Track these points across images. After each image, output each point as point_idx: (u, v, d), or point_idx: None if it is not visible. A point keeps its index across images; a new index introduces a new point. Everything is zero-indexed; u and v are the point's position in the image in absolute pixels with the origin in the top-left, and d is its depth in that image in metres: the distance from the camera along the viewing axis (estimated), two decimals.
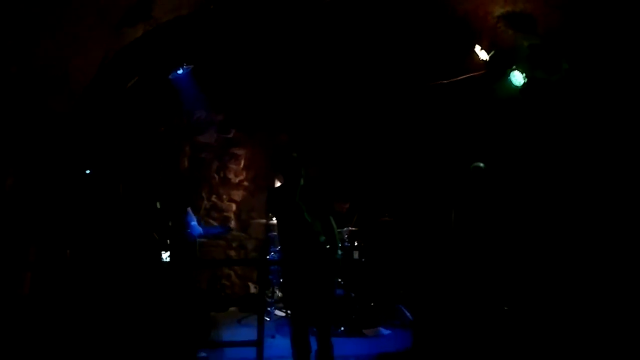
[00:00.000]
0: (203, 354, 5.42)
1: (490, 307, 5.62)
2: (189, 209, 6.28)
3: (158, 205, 5.70)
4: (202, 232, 6.52)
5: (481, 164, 5.90)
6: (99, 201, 5.45)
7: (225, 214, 8.11)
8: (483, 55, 6.29)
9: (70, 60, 4.97)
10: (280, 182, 7.54)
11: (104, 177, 5.79)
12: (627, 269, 5.07)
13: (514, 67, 6.02)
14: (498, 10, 5.99)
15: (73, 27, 4.64)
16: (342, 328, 6.39)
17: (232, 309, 7.56)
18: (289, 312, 6.74)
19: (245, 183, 8.18)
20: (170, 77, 7.08)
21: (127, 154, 6.95)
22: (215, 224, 8.01)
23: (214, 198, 8.11)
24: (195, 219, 6.42)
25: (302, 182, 5.10)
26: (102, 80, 5.79)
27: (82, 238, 5.16)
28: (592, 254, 5.40)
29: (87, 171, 5.59)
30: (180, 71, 6.96)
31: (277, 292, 7.11)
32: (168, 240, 5.85)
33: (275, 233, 7.15)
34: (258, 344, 4.80)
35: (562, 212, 5.91)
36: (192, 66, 6.94)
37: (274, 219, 7.18)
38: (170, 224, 5.77)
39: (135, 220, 5.53)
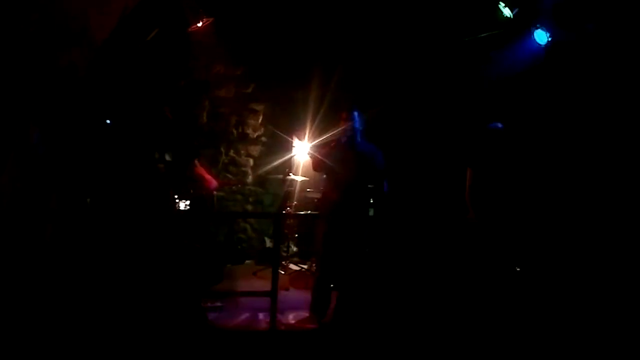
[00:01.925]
0: (218, 304, 5.56)
1: (502, 267, 5.66)
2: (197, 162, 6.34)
3: (167, 157, 5.77)
4: (216, 185, 6.59)
5: (499, 124, 5.84)
6: (118, 151, 5.51)
7: (243, 168, 8.17)
8: (507, 12, 6.15)
9: (90, 11, 4.97)
10: (299, 139, 7.60)
11: (124, 128, 5.84)
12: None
13: (538, 25, 5.89)
14: None
15: None
16: None
17: (248, 262, 7.70)
18: (303, 266, 6.90)
19: (263, 138, 8.21)
20: (189, 30, 7.04)
21: (146, 106, 6.99)
22: (232, 178, 8.09)
23: (232, 153, 8.16)
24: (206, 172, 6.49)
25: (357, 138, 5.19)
26: (122, 32, 5.79)
27: (101, 187, 5.25)
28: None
29: (108, 121, 5.65)
30: (199, 24, 6.91)
31: (293, 246, 7.22)
32: (180, 192, 5.95)
33: (291, 188, 7.28)
34: (272, 294, 4.92)
35: (577, 177, 5.88)
36: (211, 19, 6.89)
37: (291, 175, 7.26)
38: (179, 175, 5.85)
39: (148, 171, 5.60)
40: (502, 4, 6.13)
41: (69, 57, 5.03)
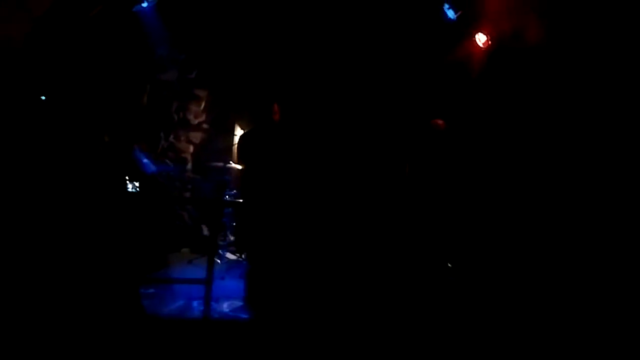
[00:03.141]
0: (151, 290, 5.47)
1: (434, 262, 5.81)
2: (136, 146, 6.21)
3: (106, 138, 5.63)
4: (155, 170, 6.47)
5: (440, 121, 5.98)
6: (52, 128, 5.33)
7: (182, 154, 8.03)
8: (451, 14, 6.31)
9: None
10: (241, 127, 7.55)
11: (59, 105, 5.65)
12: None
13: (480, 29, 6.08)
14: None
15: None
16: None
17: (184, 249, 7.59)
18: (240, 256, 6.87)
19: (205, 125, 8.09)
20: (134, 10, 6.86)
21: (84, 84, 6.76)
22: (170, 164, 7.94)
23: (171, 138, 8.00)
24: (145, 157, 6.37)
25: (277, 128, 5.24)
26: (62, 6, 5.59)
27: (35, 161, 5.06)
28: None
29: (42, 97, 5.45)
30: (144, 4, 6.75)
31: (230, 235, 7.17)
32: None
33: (230, 176, 7.23)
34: (207, 282, 4.88)
35: (513, 175, 6.09)
36: (156, 0, 6.75)
37: (232, 163, 7.21)
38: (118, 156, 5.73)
39: (85, 150, 5.44)
40: (446, 6, 6.30)
41: (4, 30, 4.83)
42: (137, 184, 5.96)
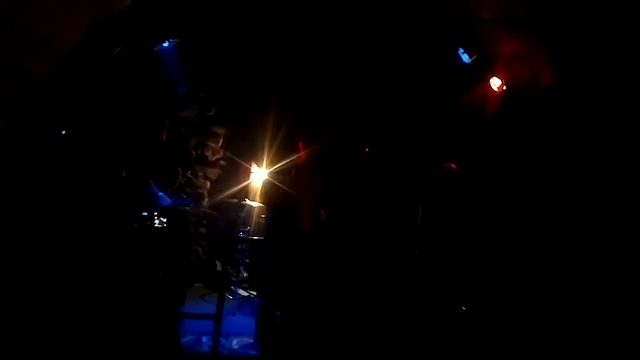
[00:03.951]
0: None
1: (448, 306, 5.76)
2: (151, 181, 6.32)
3: (124, 173, 5.74)
4: (170, 203, 6.56)
5: (452, 164, 6.01)
6: (72, 162, 5.46)
7: (199, 190, 8.13)
8: (466, 58, 6.39)
9: (54, 22, 4.95)
10: (257, 165, 7.63)
11: (79, 140, 5.80)
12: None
13: (494, 73, 6.14)
14: (485, 15, 6.09)
15: None
16: None
17: (197, 284, 7.61)
18: (252, 292, 6.87)
19: (222, 162, 8.21)
20: (155, 49, 7.07)
21: (105, 120, 6.94)
22: (186, 198, 8.04)
23: (189, 174, 8.13)
24: (160, 191, 6.46)
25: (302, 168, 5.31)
26: (86, 46, 5.77)
27: (54, 196, 5.16)
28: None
29: (63, 132, 5.60)
30: (165, 44, 6.96)
31: (243, 272, 7.18)
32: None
33: (245, 214, 7.29)
34: (217, 318, 4.89)
35: (528, 219, 6.05)
36: (177, 40, 6.95)
37: (247, 200, 7.28)
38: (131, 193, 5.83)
39: (102, 184, 5.55)
40: (461, 50, 6.38)
41: (26, 67, 4.99)
42: (164, 219, 6.04)
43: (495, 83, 6.22)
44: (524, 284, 5.75)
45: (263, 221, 7.16)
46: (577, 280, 5.31)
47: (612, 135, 5.20)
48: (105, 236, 4.83)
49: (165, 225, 6.20)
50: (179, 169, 8.10)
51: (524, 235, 6.01)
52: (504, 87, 6.22)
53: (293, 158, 5.44)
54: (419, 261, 5.96)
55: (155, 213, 5.99)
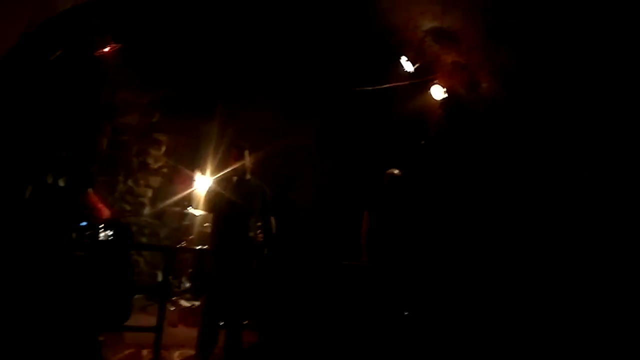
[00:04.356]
0: (101, 338, 5.28)
1: (390, 310, 5.79)
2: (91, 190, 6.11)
3: (61, 182, 5.52)
4: (107, 215, 6.35)
5: (396, 171, 6.07)
6: (4, 169, 5.23)
7: (141, 199, 7.93)
8: (408, 66, 6.48)
9: None
10: (201, 173, 7.51)
11: (14, 146, 5.57)
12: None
13: (435, 81, 6.25)
14: (426, 25, 6.19)
15: None
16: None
17: (138, 296, 7.38)
18: (194, 303, 6.72)
19: (165, 170, 8.03)
20: (96, 54, 6.87)
21: (43, 126, 6.69)
22: (128, 208, 7.83)
23: (130, 182, 7.91)
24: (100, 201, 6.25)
25: (247, 176, 5.19)
26: (24, 49, 5.56)
27: None
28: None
29: None
30: (107, 49, 6.77)
31: (186, 282, 7.03)
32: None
33: (189, 222, 7.16)
34: (157, 329, 4.76)
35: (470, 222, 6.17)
36: (119, 45, 6.77)
37: (190, 209, 7.15)
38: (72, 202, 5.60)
39: (37, 194, 5.33)
40: (404, 59, 6.47)
41: None
42: (110, 232, 5.81)
43: (437, 91, 6.33)
44: (467, 284, 5.87)
45: (207, 230, 7.07)
46: (515, 278, 5.46)
47: (548, 140, 5.38)
48: (36, 249, 4.63)
49: (111, 238, 5.96)
50: (120, 177, 7.87)
51: (467, 236, 6.14)
52: (446, 95, 6.34)
53: (238, 166, 5.34)
54: (365, 266, 5.98)
55: (101, 226, 5.75)
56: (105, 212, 6.19)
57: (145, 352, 5.20)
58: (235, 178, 5.25)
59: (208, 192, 5.66)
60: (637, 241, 4.55)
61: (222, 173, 5.57)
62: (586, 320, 4.69)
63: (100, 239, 5.69)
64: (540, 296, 5.15)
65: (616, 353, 4.43)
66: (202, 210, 6.19)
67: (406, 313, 5.85)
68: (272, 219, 5.42)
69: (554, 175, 5.45)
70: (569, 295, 4.92)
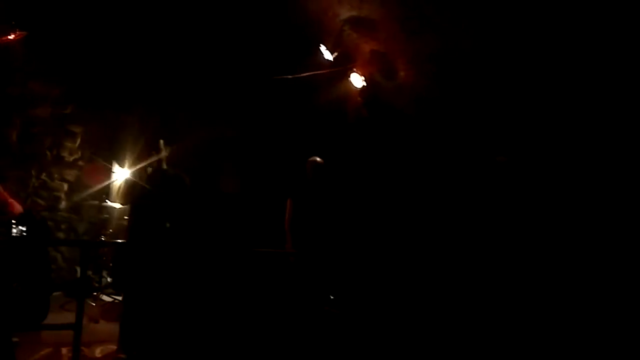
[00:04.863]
0: (15, 339, 5.07)
1: (316, 295, 5.88)
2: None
3: None
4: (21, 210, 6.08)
5: (318, 159, 6.15)
6: None
7: (56, 193, 7.62)
8: (328, 55, 6.55)
9: None
10: (119, 165, 7.31)
11: None
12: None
13: (354, 69, 6.35)
14: (344, 14, 6.28)
15: None
16: None
17: (56, 293, 7.13)
18: (117, 298, 6.58)
19: (81, 162, 7.72)
20: (1, 42, 6.53)
21: None
22: (42, 203, 7.51)
23: (44, 176, 7.57)
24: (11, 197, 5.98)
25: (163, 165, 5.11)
26: None
27: None
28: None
29: None
30: (11, 37, 6.45)
31: (107, 277, 6.86)
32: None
33: (108, 216, 6.97)
34: (76, 327, 4.60)
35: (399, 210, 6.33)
36: (25, 33, 6.46)
37: (108, 201, 6.97)
38: None
39: None
40: (323, 47, 6.54)
41: None
42: (22, 228, 5.55)
43: (355, 79, 6.44)
44: (389, 268, 6.02)
45: (125, 223, 6.91)
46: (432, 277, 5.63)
47: (464, 127, 5.59)
48: None
49: (25, 233, 5.70)
50: (33, 172, 7.52)
51: (386, 222, 6.30)
52: (364, 83, 6.46)
53: (155, 158, 5.25)
54: (290, 252, 6.03)
55: (13, 221, 5.48)
56: (17, 208, 5.93)
57: (64, 350, 5.02)
58: (150, 169, 5.16)
59: (126, 184, 5.54)
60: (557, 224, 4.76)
61: (139, 165, 5.47)
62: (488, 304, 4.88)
63: (14, 234, 5.45)
64: (454, 276, 5.35)
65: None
66: (120, 202, 6.03)
67: (332, 297, 5.95)
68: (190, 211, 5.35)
69: (469, 160, 5.67)
70: (483, 275, 5.13)
